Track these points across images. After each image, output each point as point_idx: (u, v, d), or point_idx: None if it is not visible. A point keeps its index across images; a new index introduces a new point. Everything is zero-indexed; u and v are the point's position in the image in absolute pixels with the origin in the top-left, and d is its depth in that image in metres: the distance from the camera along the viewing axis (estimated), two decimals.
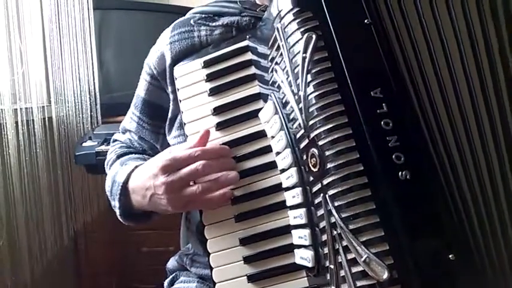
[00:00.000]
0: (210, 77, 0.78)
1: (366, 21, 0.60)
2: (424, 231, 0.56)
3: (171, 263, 1.00)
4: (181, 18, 0.92)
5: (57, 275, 1.98)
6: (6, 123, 1.59)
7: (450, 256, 0.55)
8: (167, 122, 0.91)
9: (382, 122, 0.57)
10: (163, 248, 1.99)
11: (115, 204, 0.87)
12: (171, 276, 0.98)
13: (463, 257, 0.56)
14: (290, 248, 0.68)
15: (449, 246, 0.56)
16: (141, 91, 0.97)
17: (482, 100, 0.61)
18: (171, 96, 0.89)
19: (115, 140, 1.06)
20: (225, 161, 0.73)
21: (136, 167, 0.83)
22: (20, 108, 1.69)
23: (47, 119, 1.88)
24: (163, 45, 0.89)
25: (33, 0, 1.84)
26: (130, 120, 1.00)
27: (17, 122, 1.66)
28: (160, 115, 0.92)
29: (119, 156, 0.97)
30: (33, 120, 1.76)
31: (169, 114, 0.90)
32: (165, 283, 0.98)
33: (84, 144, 1.76)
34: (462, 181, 0.59)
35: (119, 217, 0.89)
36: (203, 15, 0.89)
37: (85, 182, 2.08)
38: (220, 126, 0.75)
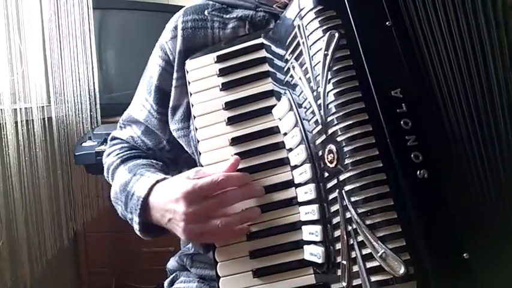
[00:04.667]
0: (222, 72, 0.78)
1: (387, 23, 0.61)
2: (440, 230, 0.57)
3: (171, 263, 0.98)
4: (194, 3, 0.90)
5: (57, 275, 1.98)
6: (5, 123, 1.59)
7: (464, 255, 0.56)
8: (169, 110, 0.89)
9: (401, 122, 0.59)
10: (163, 248, 1.99)
11: (134, 218, 0.81)
12: (171, 277, 0.97)
13: (477, 256, 0.56)
14: (298, 245, 0.68)
15: (464, 245, 0.57)
16: (154, 76, 0.91)
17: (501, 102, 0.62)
18: (174, 82, 0.87)
19: (114, 138, 1.02)
20: (249, 189, 0.71)
21: (157, 181, 0.79)
22: (20, 108, 1.68)
23: (46, 119, 1.88)
24: (178, 29, 0.87)
25: None
26: (142, 108, 0.94)
27: (16, 122, 1.66)
28: (168, 103, 0.89)
29: (123, 161, 0.93)
30: (32, 120, 1.76)
31: (171, 103, 0.88)
32: (165, 283, 0.97)
33: (84, 144, 1.76)
34: (479, 182, 0.60)
35: (137, 232, 0.83)
36: (217, 6, 0.88)
37: (85, 182, 2.08)
38: (231, 121, 0.75)
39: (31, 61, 1.82)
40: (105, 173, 0.99)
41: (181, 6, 0.91)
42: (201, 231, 0.71)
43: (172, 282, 0.96)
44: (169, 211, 0.73)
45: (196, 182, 0.70)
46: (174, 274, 0.97)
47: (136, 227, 0.81)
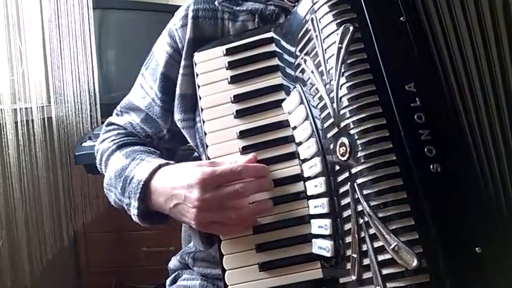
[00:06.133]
0: (231, 65, 0.77)
1: (401, 18, 0.61)
2: (453, 224, 0.57)
3: (173, 262, 0.98)
4: None
5: (57, 275, 1.98)
6: (5, 123, 1.58)
7: (477, 249, 0.56)
8: (176, 98, 0.87)
9: (415, 116, 0.59)
10: (163, 248, 1.99)
11: (132, 203, 0.79)
12: (173, 275, 0.97)
13: (490, 251, 0.56)
14: (305, 239, 0.68)
15: (477, 240, 0.57)
16: (160, 63, 0.89)
17: None
18: (182, 70, 0.86)
19: (111, 124, 0.99)
20: (263, 182, 0.70)
21: (160, 165, 0.77)
22: (20, 108, 1.67)
23: (46, 119, 1.88)
24: (188, 17, 0.86)
25: None
26: (145, 95, 0.92)
27: (16, 122, 1.65)
28: (174, 92, 0.88)
29: (119, 147, 0.90)
30: (32, 120, 1.75)
31: (178, 91, 0.87)
32: (167, 282, 0.97)
33: (84, 144, 1.75)
34: (493, 176, 0.60)
35: (134, 217, 0.80)
36: None
37: (85, 182, 2.08)
38: (239, 114, 0.75)
39: (31, 61, 1.82)
40: (97, 161, 0.95)
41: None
42: (212, 220, 0.70)
43: (174, 281, 0.95)
44: (177, 196, 0.71)
45: (215, 169, 0.69)
46: (176, 273, 0.97)
47: (134, 212, 0.79)
